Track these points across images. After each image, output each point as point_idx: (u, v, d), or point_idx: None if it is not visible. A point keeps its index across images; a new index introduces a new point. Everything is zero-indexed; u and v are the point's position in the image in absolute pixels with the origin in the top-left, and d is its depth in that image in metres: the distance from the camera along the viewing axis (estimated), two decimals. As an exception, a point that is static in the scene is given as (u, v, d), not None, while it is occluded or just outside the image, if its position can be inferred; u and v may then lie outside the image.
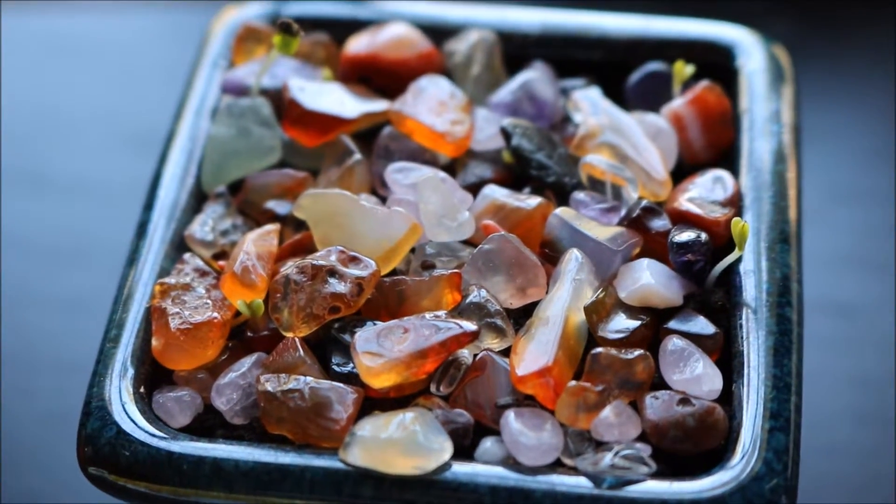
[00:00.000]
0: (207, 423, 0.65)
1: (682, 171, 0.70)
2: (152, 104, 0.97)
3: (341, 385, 0.63)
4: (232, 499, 0.62)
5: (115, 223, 0.93)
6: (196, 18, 1.03)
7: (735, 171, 0.69)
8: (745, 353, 0.64)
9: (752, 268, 0.66)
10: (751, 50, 0.73)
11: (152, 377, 0.66)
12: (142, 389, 0.65)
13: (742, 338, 0.64)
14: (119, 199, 0.95)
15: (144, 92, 1.01)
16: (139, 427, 0.63)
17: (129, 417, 0.63)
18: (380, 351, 0.63)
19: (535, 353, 0.63)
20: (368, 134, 0.72)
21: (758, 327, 0.64)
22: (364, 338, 0.63)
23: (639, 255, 0.67)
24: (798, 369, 0.64)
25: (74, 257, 0.94)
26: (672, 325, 0.65)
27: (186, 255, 0.68)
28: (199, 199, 0.71)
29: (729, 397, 0.64)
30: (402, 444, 0.61)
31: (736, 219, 0.65)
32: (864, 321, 0.90)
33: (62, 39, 1.05)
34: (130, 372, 0.65)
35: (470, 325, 0.64)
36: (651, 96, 0.72)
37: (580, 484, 0.61)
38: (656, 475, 0.61)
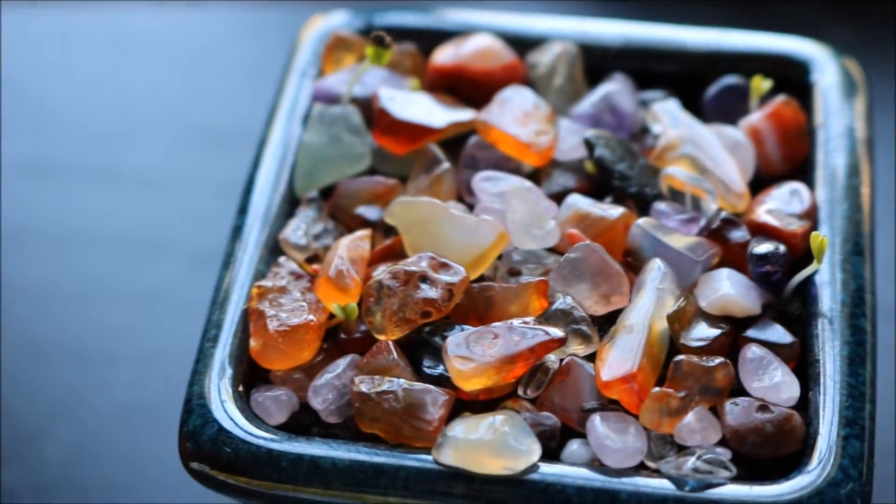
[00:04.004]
0: (303, 422, 0.67)
1: (760, 183, 0.73)
2: (226, 101, 0.99)
3: (433, 387, 0.66)
4: (329, 495, 0.64)
5: (189, 217, 0.96)
6: (270, 16, 1.06)
7: (811, 184, 0.72)
8: (822, 361, 0.66)
9: (828, 279, 0.68)
10: (825, 65, 0.76)
11: (249, 376, 0.68)
12: (240, 388, 0.67)
13: (818, 347, 0.67)
14: (192, 194, 0.98)
15: (218, 88, 1.03)
16: (238, 425, 0.66)
17: (229, 416, 0.66)
18: (470, 355, 0.65)
19: (620, 359, 0.65)
20: (454, 142, 0.74)
21: (833, 337, 0.67)
22: (455, 342, 0.66)
23: (717, 265, 0.69)
24: (872, 378, 0.66)
25: (150, 251, 0.96)
26: (751, 333, 0.67)
27: (282, 259, 0.70)
28: (291, 204, 0.73)
29: (806, 404, 0.66)
30: (493, 445, 0.64)
31: (815, 233, 0.67)
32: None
33: (137, 36, 1.07)
34: (229, 371, 0.68)
35: (557, 332, 0.66)
36: (727, 109, 0.75)
37: (664, 486, 0.63)
38: (736, 479, 0.64)
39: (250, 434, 0.65)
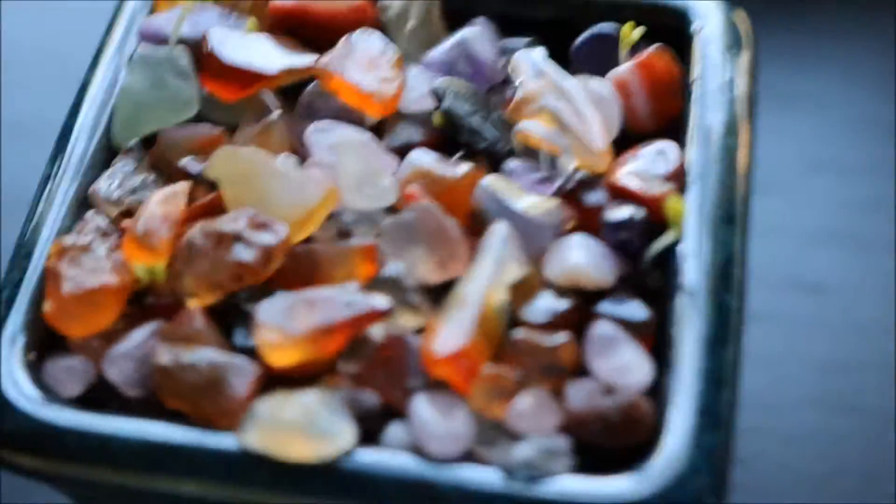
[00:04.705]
0: (102, 395, 0.60)
1: (627, 142, 0.65)
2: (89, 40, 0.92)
3: (241, 360, 0.59)
4: (119, 477, 0.58)
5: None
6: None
7: (682, 144, 0.64)
8: (679, 341, 0.59)
9: (693, 249, 0.61)
10: (707, 14, 0.68)
11: (47, 342, 0.61)
12: (33, 355, 0.61)
13: (676, 325, 0.60)
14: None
15: (83, 27, 0.95)
16: (24, 396, 0.59)
17: (16, 386, 0.59)
18: (283, 325, 0.59)
19: (450, 333, 0.58)
20: (296, 91, 0.67)
21: (694, 314, 0.60)
22: (267, 310, 0.59)
23: (574, 232, 0.62)
24: (735, 361, 0.59)
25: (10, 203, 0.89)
26: (601, 307, 0.60)
27: (89, 213, 0.63)
28: (110, 154, 0.66)
29: (658, 389, 0.59)
30: (302, 426, 0.57)
31: (671, 196, 0.60)
32: (837, 301, 0.84)
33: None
34: (22, 336, 0.61)
35: (381, 303, 0.59)
36: (598, 60, 0.67)
37: (489, 478, 0.56)
38: (574, 471, 0.57)
39: (35, 407, 0.59)
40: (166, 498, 0.58)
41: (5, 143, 0.91)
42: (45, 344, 0.61)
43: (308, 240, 0.62)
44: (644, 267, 0.61)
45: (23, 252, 0.63)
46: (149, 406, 0.60)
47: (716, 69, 0.66)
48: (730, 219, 0.62)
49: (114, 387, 0.60)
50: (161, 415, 0.59)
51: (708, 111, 0.65)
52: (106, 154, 0.66)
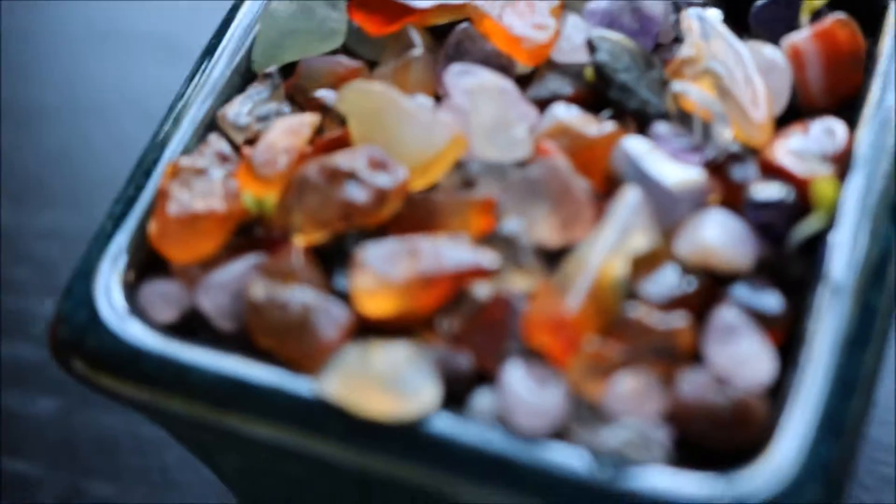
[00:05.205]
0: (197, 324, 0.58)
1: (794, 117, 0.59)
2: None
3: (335, 304, 0.55)
4: (190, 409, 0.55)
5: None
6: None
7: (853, 125, 0.58)
8: (813, 338, 0.53)
9: (846, 240, 0.55)
10: (909, -17, 0.61)
11: (151, 264, 0.59)
12: (132, 275, 0.58)
13: (814, 321, 0.53)
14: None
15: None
16: (116, 315, 0.57)
17: (109, 304, 0.57)
18: (381, 270, 0.55)
19: (559, 300, 0.53)
20: (448, 34, 0.63)
21: (835, 311, 0.53)
22: (367, 254, 0.55)
23: (714, 206, 0.56)
24: (873, 369, 0.52)
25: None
26: (732, 292, 0.54)
27: (212, 136, 0.61)
28: (247, 79, 0.63)
29: (781, 389, 0.53)
30: (385, 380, 0.53)
31: (822, 176, 0.53)
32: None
33: None
34: (125, 255, 0.58)
35: (488, 259, 0.55)
36: (777, 24, 0.61)
37: (575, 462, 0.51)
38: (669, 465, 0.51)
39: (122, 327, 0.56)
40: (239, 438, 0.55)
41: (157, 61, 0.90)
42: (148, 266, 0.59)
43: (433, 188, 0.58)
44: (787, 253, 0.55)
45: (141, 170, 0.61)
46: (240, 341, 0.57)
47: (907, 45, 0.59)
48: (894, 211, 0.55)
49: (208, 317, 0.58)
50: (250, 352, 0.56)
51: (889, 91, 0.58)
52: (243, 78, 0.63)
